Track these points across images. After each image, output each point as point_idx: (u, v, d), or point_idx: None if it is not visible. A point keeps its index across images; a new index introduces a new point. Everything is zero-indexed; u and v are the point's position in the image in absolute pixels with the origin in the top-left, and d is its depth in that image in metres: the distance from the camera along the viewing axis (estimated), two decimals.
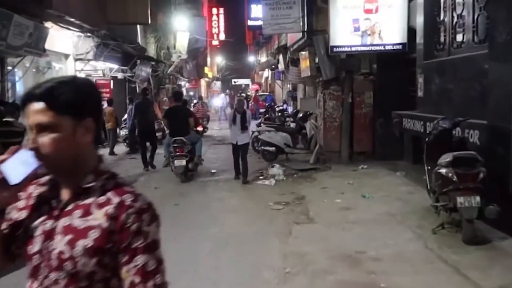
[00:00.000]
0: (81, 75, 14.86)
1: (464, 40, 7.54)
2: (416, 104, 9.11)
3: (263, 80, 43.46)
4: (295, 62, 17.91)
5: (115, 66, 16.80)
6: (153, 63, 21.40)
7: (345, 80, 10.51)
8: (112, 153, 13.72)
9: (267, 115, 16.97)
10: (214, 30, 45.79)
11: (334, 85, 10.67)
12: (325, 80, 10.65)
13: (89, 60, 14.13)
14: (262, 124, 13.41)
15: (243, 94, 29.61)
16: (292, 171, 10.04)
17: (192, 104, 19.81)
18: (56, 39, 12.76)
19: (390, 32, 9.96)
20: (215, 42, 46.70)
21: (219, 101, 30.01)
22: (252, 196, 8.06)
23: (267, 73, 38.39)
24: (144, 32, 23.65)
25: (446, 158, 5.03)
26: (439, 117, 6.06)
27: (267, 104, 18.69)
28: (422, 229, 5.64)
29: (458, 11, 7.76)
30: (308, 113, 11.98)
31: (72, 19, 11.58)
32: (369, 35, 10.04)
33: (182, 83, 29.06)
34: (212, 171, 10.57)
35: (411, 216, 6.17)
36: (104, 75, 15.34)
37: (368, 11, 9.98)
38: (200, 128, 14.76)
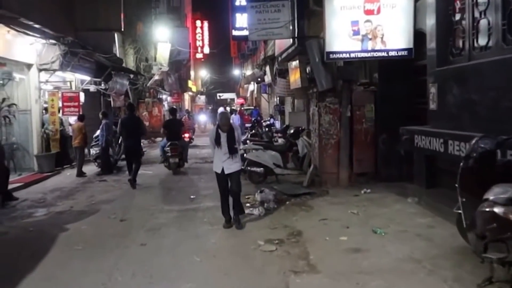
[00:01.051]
0: (47, 87, 13.38)
1: (491, 42, 6.29)
2: (427, 118, 7.82)
3: (248, 94, 42.24)
4: (283, 73, 16.66)
5: (87, 78, 15.34)
6: (131, 75, 19.95)
7: (343, 91, 9.20)
8: (80, 174, 12.18)
9: (253, 131, 15.61)
10: (198, 43, 44.67)
11: (330, 96, 9.35)
12: (320, 91, 9.32)
13: (54, 70, 12.66)
14: (248, 141, 12.03)
15: (228, 108, 28.32)
16: (284, 196, 8.63)
17: (181, 117, 19.73)
18: (16, 46, 11.31)
19: (394, 36, 8.71)
20: (199, 55, 45.53)
21: (204, 117, 28.98)
22: (237, 231, 6.61)
23: (252, 86, 37.19)
24: (122, 42, 22.31)
25: (503, 192, 3.69)
26: (476, 135, 4.72)
27: (253, 119, 17.33)
28: (461, 282, 4.27)
29: (481, 8, 6.52)
30: (301, 128, 10.63)
31: (30, 22, 10.10)
32: (370, 39, 8.77)
33: (164, 96, 27.61)
34: (191, 196, 9.11)
35: (442, 262, 4.79)
36: (71, 87, 13.80)
37: (369, 12, 8.73)
38: (187, 135, 17.70)
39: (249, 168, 10.10)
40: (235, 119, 22.98)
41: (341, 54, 8.82)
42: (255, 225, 6.82)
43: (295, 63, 12.44)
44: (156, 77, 22.99)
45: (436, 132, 6.61)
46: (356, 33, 8.81)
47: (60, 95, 13.05)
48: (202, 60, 48.10)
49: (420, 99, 8.83)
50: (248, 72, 35.15)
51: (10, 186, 10.07)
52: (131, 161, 10.71)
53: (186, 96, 43.25)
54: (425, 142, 6.90)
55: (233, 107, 30.72)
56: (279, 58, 14.19)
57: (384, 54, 8.79)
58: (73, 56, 12.81)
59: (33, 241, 6.40)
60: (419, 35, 8.53)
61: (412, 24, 8.64)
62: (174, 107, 18.89)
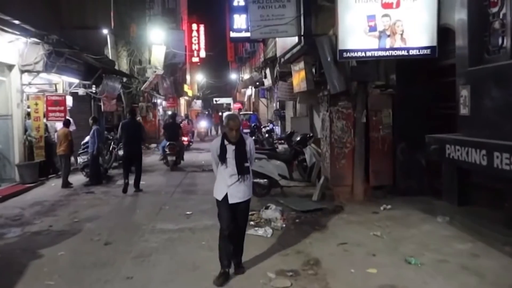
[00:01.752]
0: (31, 90, 12.33)
1: None
2: (458, 125, 6.84)
3: (245, 99, 41.29)
4: (285, 76, 15.70)
5: (75, 81, 14.30)
6: (124, 78, 18.91)
7: (357, 94, 8.23)
8: (65, 185, 11.13)
9: (253, 137, 14.58)
10: (194, 47, 43.76)
11: (343, 100, 8.37)
12: (332, 94, 8.34)
13: (38, 72, 11.60)
14: None
15: (234, 108, 27.45)
16: (293, 213, 7.62)
17: (180, 121, 20.28)
18: None
19: (416, 32, 7.74)
20: (195, 59, 44.59)
21: (205, 123, 27.87)
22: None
23: (250, 91, 36.23)
24: (115, 44, 21.29)
25: None
26: None
27: (253, 125, 16.31)
28: None
29: None
30: (308, 135, 9.61)
31: (7, 18, 9.07)
32: (388, 36, 7.80)
33: (158, 101, 26.56)
34: (187, 213, 8.06)
35: None
36: (56, 90, 12.74)
37: (387, 6, 7.76)
38: (186, 138, 18.82)
39: (253, 179, 9.07)
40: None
41: (356, 53, 7.83)
42: (262, 250, 5.78)
43: (299, 64, 11.47)
44: (151, 79, 21.92)
45: (477, 142, 5.62)
46: (372, 29, 7.84)
47: (44, 99, 11.98)
48: (198, 64, 47.18)
49: (444, 103, 7.88)
50: (246, 76, 34.22)
51: None
52: (129, 166, 10.42)
53: (182, 101, 42.22)
54: (461, 153, 5.91)
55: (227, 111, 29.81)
56: (281, 60, 13.23)
57: (404, 52, 7.82)
58: (58, 57, 11.76)
59: None
60: (443, 32, 7.59)
61: (436, 19, 7.68)
62: (175, 112, 22.45)
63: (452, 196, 6.80)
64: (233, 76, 48.72)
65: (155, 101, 25.64)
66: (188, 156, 17.40)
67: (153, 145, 22.10)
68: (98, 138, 11.65)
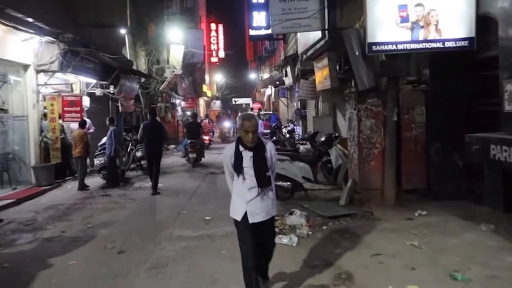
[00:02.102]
0: (47, 90, 12.06)
1: None
2: (502, 123, 6.22)
3: (265, 99, 40.81)
4: (307, 74, 15.15)
5: (92, 81, 14.02)
6: (141, 78, 18.62)
7: (388, 91, 7.64)
8: (81, 187, 10.81)
9: (274, 138, 14.08)
10: (213, 47, 43.43)
11: (372, 97, 7.81)
12: (360, 91, 7.77)
13: (53, 71, 11.31)
14: None
15: (254, 108, 27.07)
16: (319, 218, 7.10)
17: (200, 121, 20.83)
18: (8, 44, 10.01)
19: (452, 22, 7.13)
20: (214, 59, 44.26)
21: (228, 123, 27.51)
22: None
23: (270, 90, 35.73)
24: (133, 44, 21.05)
25: None
26: None
27: (273, 125, 15.72)
28: None
29: None
30: (334, 135, 9.05)
31: (20, 15, 8.76)
32: (422, 27, 7.21)
33: (177, 101, 26.26)
34: (206, 218, 7.61)
35: None
36: (72, 90, 12.45)
37: None
38: (206, 137, 19.50)
39: (275, 182, 8.59)
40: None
41: (386, 46, 7.26)
42: (288, 261, 5.27)
43: (323, 61, 10.91)
44: (169, 79, 21.59)
45: None
46: (404, 20, 7.26)
47: (60, 99, 11.70)
48: (217, 64, 46.85)
49: (485, 99, 7.25)
50: (266, 75, 33.74)
51: None
52: (152, 164, 10.36)
53: (201, 101, 41.97)
54: (509, 154, 5.30)
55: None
56: (303, 57, 12.68)
57: (439, 45, 7.21)
58: (74, 56, 11.46)
59: (2, 285, 4.97)
60: (483, 21, 6.97)
61: (474, 8, 7.05)
62: (195, 111, 23.42)
63: (496, 201, 6.19)
64: (252, 75, 48.25)
65: (174, 101, 25.34)
66: (207, 157, 17.04)
67: (172, 146, 21.79)
68: (115, 140, 11.32)
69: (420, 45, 7.26)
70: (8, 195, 9.80)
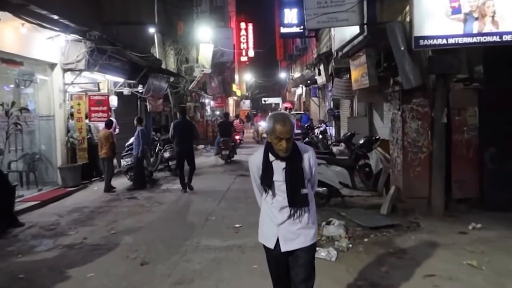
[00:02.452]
0: (74, 90, 11.82)
1: None
2: None
3: (295, 98, 40.09)
4: (341, 72, 14.45)
5: (120, 80, 13.73)
6: (170, 77, 18.31)
7: (437, 90, 6.93)
8: (108, 189, 10.49)
9: (307, 139, 13.46)
10: (243, 46, 43.03)
11: (418, 97, 7.12)
12: (405, 90, 7.09)
13: (80, 70, 11.02)
14: None
15: (282, 108, 26.38)
16: (359, 229, 6.47)
17: (231, 121, 20.92)
18: (34, 42, 9.77)
19: (511, 13, 6.38)
20: (243, 58, 43.86)
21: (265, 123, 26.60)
22: None
23: (300, 90, 35.01)
24: (162, 43, 20.79)
25: None
26: None
27: (305, 125, 15.04)
28: None
29: None
30: (374, 138, 8.36)
31: (44, 12, 8.45)
32: (476, 19, 6.48)
33: (206, 101, 25.92)
34: (236, 225, 7.09)
35: None
36: (99, 89, 12.15)
37: None
38: (238, 137, 19.91)
39: None
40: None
41: (435, 40, 6.57)
42: (327, 280, 4.68)
43: (360, 58, 10.22)
44: (198, 78, 21.23)
45: None
46: (456, 11, 6.56)
47: (87, 98, 11.42)
48: (247, 63, 46.44)
49: None
50: (296, 74, 33.05)
51: (23, 206, 8.54)
52: (183, 166, 10.45)
53: (231, 101, 41.65)
54: None
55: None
56: (338, 54, 12.01)
57: (496, 38, 6.47)
58: (101, 54, 11.16)
59: None
60: None
61: None
62: (227, 111, 24.99)
63: None
64: (282, 75, 47.55)
65: (203, 101, 25.01)
66: (238, 157, 16.58)
67: (201, 146, 21.43)
68: (143, 140, 10.97)
69: (474, 39, 6.53)
70: (33, 196, 9.54)
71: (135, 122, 11.36)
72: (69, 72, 11.24)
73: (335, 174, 7.97)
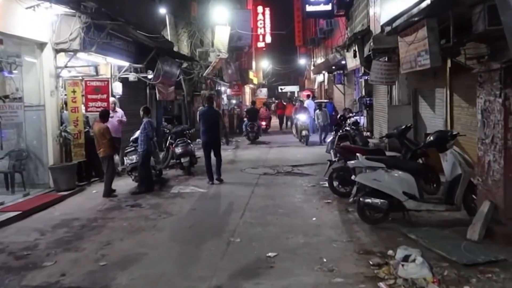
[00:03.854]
0: (68, 74, 10.01)
1: None
2: None
3: (316, 86, 37.92)
4: (381, 54, 12.40)
5: (125, 64, 11.91)
6: (182, 62, 16.42)
7: None
8: (107, 193, 8.70)
9: (342, 131, 11.46)
10: (260, 31, 40.82)
11: None
12: (507, 69, 5.06)
13: (75, 51, 9.19)
14: (346, 153, 8.03)
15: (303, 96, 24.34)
16: (445, 265, 4.54)
17: (258, 108, 22.75)
18: (17, 17, 7.94)
19: None
20: (260, 44, 41.66)
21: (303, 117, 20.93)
22: None
23: (322, 77, 32.87)
24: (175, 25, 18.91)
25: None
26: None
27: (339, 116, 13.07)
28: None
29: None
30: (450, 134, 6.31)
31: None
32: None
33: (222, 88, 23.98)
34: (269, 255, 5.20)
35: None
36: (97, 73, 10.29)
37: None
38: (264, 123, 22.29)
39: (363, 199, 6.10)
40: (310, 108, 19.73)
41: None
42: None
43: (418, 32, 8.17)
44: (214, 64, 19.32)
45: None
46: None
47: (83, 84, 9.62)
48: (264, 49, 44.22)
49: None
50: (319, 60, 30.88)
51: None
52: (209, 156, 10.01)
53: (247, 89, 39.60)
54: None
55: (300, 99, 26.66)
56: (385, 30, 9.92)
57: None
58: (99, 32, 9.32)
59: None
60: None
61: None
62: (254, 100, 26.65)
63: None
64: (301, 61, 45.30)
65: (219, 88, 23.10)
66: (257, 152, 14.72)
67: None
68: (151, 134, 9.16)
69: None
70: (15, 205, 7.81)
71: (141, 112, 9.54)
72: (62, 54, 9.44)
73: (398, 181, 6.02)
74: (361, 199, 6.14)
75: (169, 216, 7.23)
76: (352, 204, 7.03)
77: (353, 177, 6.37)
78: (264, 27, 41.16)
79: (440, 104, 10.49)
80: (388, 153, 9.56)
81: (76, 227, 6.71)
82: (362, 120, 17.16)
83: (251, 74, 38.30)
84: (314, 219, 6.77)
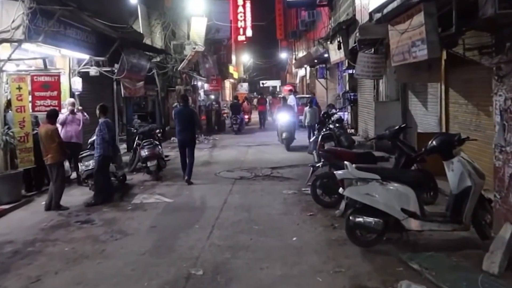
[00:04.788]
0: (12, 68, 8.74)
1: None
2: None
3: (297, 80, 36.95)
4: (367, 46, 11.41)
5: (85, 57, 10.67)
6: (153, 55, 15.18)
7: None
8: (57, 206, 7.48)
9: (326, 130, 10.41)
10: (240, 24, 39.56)
11: None
12: None
13: (18, 41, 7.92)
14: (330, 156, 6.99)
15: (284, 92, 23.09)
16: None
17: (241, 102, 23.68)
18: None
19: None
20: (241, 38, 40.39)
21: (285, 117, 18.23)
22: None
23: (303, 71, 31.87)
24: (147, 17, 17.63)
25: None
26: None
27: (322, 113, 12.02)
28: None
29: None
30: (457, 138, 5.23)
31: None
32: None
33: (199, 83, 22.72)
34: None
35: None
36: (46, 66, 8.98)
37: None
38: (246, 116, 23.66)
39: (353, 217, 5.05)
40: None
41: None
42: None
43: (413, 19, 7.13)
44: (190, 57, 18.10)
45: None
46: None
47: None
48: (244, 43, 42.95)
49: None
50: (301, 53, 29.85)
51: None
52: (184, 156, 9.84)
53: (227, 84, 38.35)
54: None
55: (280, 95, 25.61)
56: (374, 17, 8.86)
57: None
58: (47, 19, 8.05)
59: None
60: None
61: None
62: (236, 95, 29.55)
63: None
64: (282, 55, 44.21)
65: (195, 83, 21.83)
66: (235, 152, 13.59)
67: None
68: (107, 136, 7.94)
69: None
70: None
71: (97, 111, 8.32)
72: (7, 45, 8.15)
73: (396, 196, 4.97)
74: (350, 217, 5.07)
75: (123, 236, 6.07)
76: (339, 218, 6.03)
77: (341, 190, 5.28)
78: (244, 20, 39.91)
79: (433, 100, 9.53)
80: (375, 153, 8.65)
81: (6, 254, 5.51)
82: (346, 116, 16.21)
83: (231, 69, 37.06)
84: (294, 239, 5.70)
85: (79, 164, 8.79)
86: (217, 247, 5.47)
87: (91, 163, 8.43)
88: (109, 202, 7.94)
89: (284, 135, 14.25)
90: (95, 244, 5.77)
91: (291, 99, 18.90)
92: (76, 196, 8.36)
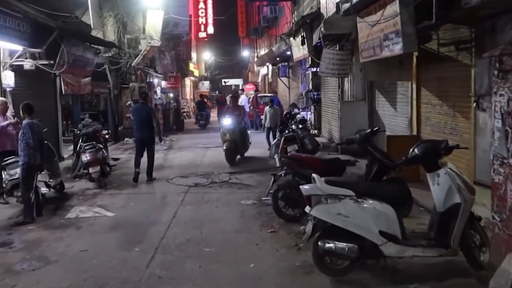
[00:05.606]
0: None
1: None
2: None
3: (259, 79, 36.14)
4: (332, 42, 10.64)
5: (18, 48, 9.39)
6: (100, 48, 13.91)
7: None
8: None
9: (288, 132, 9.57)
10: (201, 20, 38.30)
11: None
12: None
13: None
14: (293, 165, 6.15)
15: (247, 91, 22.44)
16: None
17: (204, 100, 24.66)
18: None
19: None
20: (202, 34, 39.12)
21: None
22: None
23: (265, 69, 31.08)
24: (99, 9, 16.26)
25: None
26: None
27: (285, 113, 11.14)
28: None
29: None
30: (444, 145, 4.34)
31: None
32: None
33: (155, 80, 21.44)
34: None
35: None
36: None
37: None
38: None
39: (323, 243, 4.17)
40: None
41: None
42: None
43: (387, 8, 6.36)
44: (145, 52, 16.88)
45: None
46: None
47: None
48: (206, 40, 41.70)
49: None
50: (263, 51, 29.04)
51: None
52: (141, 155, 9.65)
53: (187, 82, 37.00)
54: None
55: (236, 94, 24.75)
56: (342, 8, 8.02)
57: None
58: None
59: None
60: None
61: None
62: (201, 93, 29.68)
63: None
64: (244, 53, 43.33)
65: (151, 80, 20.55)
66: (192, 154, 12.53)
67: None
68: (30, 141, 6.73)
69: None
70: None
71: (21, 111, 7.10)
72: None
73: (373, 217, 4.13)
74: (319, 243, 4.18)
75: (44, 265, 4.96)
76: (303, 235, 5.15)
77: (307, 209, 4.39)
78: (206, 16, 38.69)
79: (403, 100, 8.84)
80: (341, 157, 7.90)
81: None
82: (309, 116, 15.47)
83: (192, 66, 35.74)
84: (252, 265, 4.77)
85: (2, 172, 7.52)
86: (157, 280, 4.46)
87: (17, 171, 7.20)
88: (38, 216, 6.79)
89: (225, 145, 10.92)
90: (4, 278, 4.64)
91: (242, 99, 17.82)
92: (3, 209, 7.15)
